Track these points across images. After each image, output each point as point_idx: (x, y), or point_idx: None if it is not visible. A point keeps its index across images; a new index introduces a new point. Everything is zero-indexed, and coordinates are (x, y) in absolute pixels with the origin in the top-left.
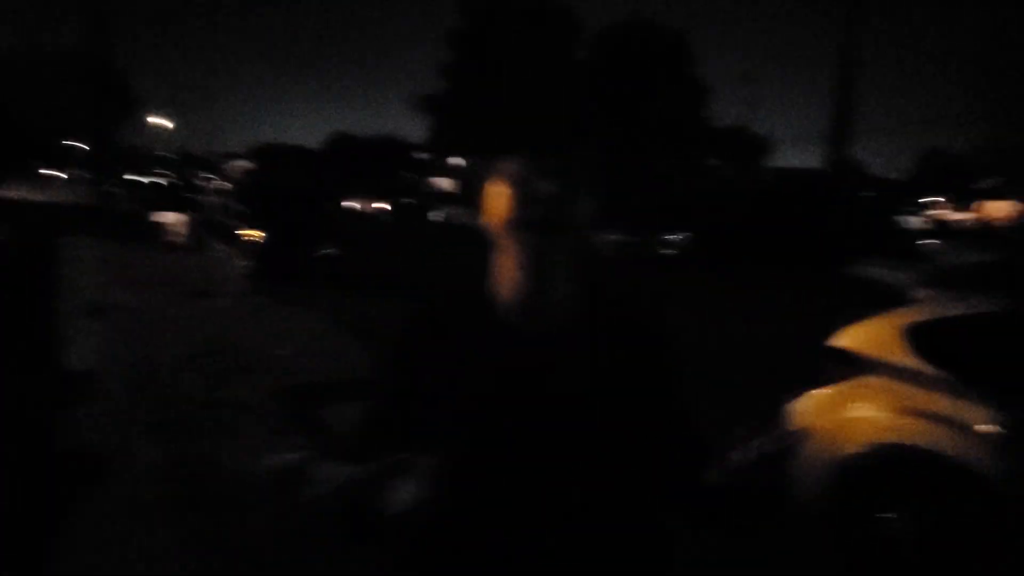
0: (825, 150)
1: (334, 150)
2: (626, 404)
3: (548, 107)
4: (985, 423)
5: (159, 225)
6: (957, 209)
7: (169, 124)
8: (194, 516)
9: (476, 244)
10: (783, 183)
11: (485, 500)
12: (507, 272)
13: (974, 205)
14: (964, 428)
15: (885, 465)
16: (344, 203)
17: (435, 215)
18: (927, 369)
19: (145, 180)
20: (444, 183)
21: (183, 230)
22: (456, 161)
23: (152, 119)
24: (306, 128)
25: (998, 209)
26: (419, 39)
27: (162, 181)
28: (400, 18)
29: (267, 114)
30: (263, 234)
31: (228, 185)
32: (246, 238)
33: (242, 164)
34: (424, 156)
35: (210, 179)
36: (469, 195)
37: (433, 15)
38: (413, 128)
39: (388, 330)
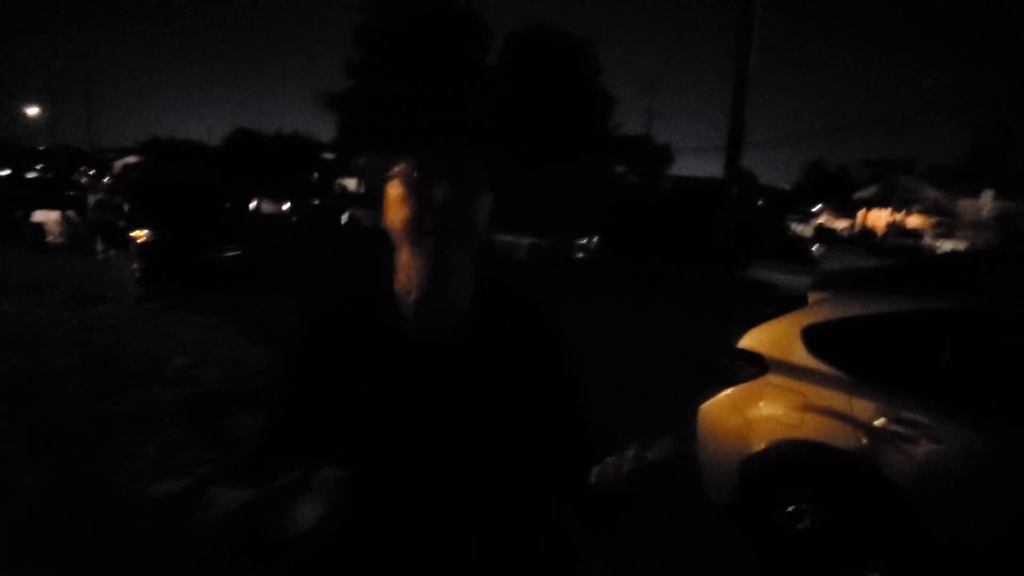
0: (722, 160)
1: (235, 147)
2: (524, 406)
3: (452, 109)
4: (878, 419)
5: (37, 225)
6: (840, 217)
7: (45, 115)
8: (78, 542)
9: (381, 247)
10: (684, 190)
11: (385, 514)
12: (405, 275)
13: (857, 213)
14: (858, 424)
15: (788, 461)
16: (247, 203)
17: (344, 217)
18: (823, 368)
19: (16, 174)
20: (352, 184)
21: (62, 229)
22: (363, 162)
23: (29, 110)
24: (206, 124)
25: (876, 217)
26: (324, 36)
27: (39, 176)
28: (305, 13)
29: (162, 109)
30: (156, 234)
31: (115, 181)
32: (137, 239)
33: (131, 159)
34: (331, 156)
35: (95, 175)
36: (371, 197)
37: (338, 11)
38: (320, 127)
39: (290, 335)
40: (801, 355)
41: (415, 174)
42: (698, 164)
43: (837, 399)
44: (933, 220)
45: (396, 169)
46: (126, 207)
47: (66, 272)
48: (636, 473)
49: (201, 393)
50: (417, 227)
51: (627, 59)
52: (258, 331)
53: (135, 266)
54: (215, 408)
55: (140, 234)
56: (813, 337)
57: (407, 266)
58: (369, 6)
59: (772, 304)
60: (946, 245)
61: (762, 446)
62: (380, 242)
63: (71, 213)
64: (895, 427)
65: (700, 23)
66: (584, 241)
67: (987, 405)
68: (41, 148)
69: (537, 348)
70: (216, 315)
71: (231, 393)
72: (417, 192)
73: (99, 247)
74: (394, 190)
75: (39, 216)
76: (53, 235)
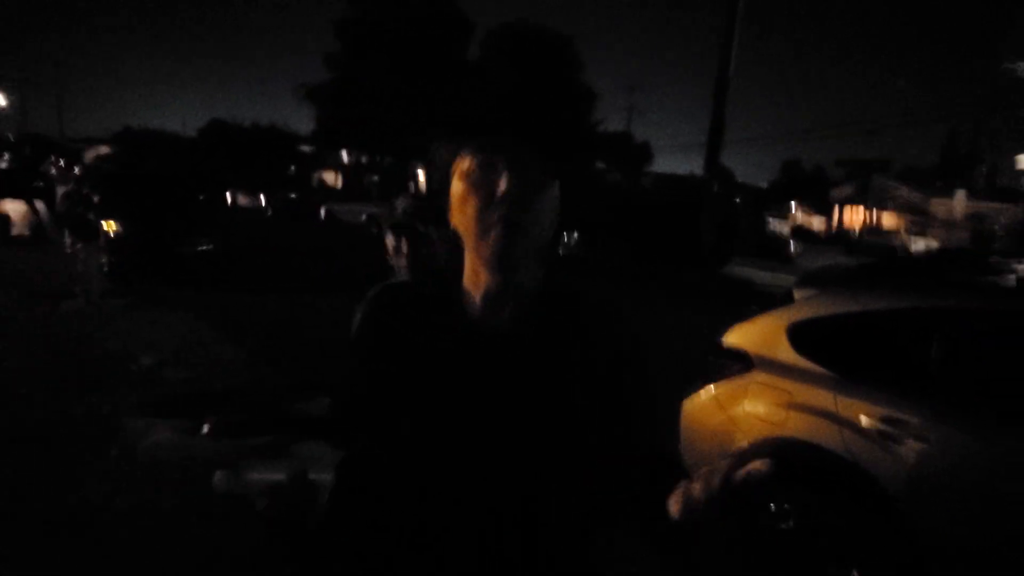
0: (700, 157)
1: (210, 139)
2: (582, 400)
3: (441, 102)
4: (863, 417)
5: (2, 216)
6: (817, 215)
7: (15, 103)
8: (34, 555)
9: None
10: (665, 187)
11: (435, 491)
12: (472, 272)
13: (834, 212)
14: (844, 422)
15: (773, 459)
16: (221, 195)
17: (322, 211)
18: (809, 365)
19: None
20: (330, 177)
21: (29, 221)
22: (345, 155)
23: None
24: (180, 115)
25: (852, 216)
26: (303, 27)
27: (6, 166)
28: (283, 3)
29: (136, 99)
30: (126, 227)
31: (86, 172)
32: (107, 231)
33: (103, 150)
34: (309, 149)
35: (66, 165)
36: (430, 190)
37: (317, 2)
38: (298, 119)
39: (265, 332)
40: (786, 352)
41: (477, 169)
42: (677, 161)
43: (822, 397)
44: (907, 219)
45: (457, 166)
46: (96, 198)
47: (31, 265)
48: (718, 498)
49: (169, 394)
50: (481, 222)
51: (608, 56)
52: (230, 328)
53: (103, 260)
54: (183, 410)
55: (110, 226)
56: (799, 334)
57: (473, 261)
58: None
59: (755, 300)
60: (919, 243)
61: (745, 444)
62: (358, 237)
63: (39, 204)
64: (881, 426)
65: (681, 22)
66: (564, 237)
67: (975, 403)
68: (10, 137)
69: (604, 346)
70: (186, 311)
71: (201, 394)
72: (479, 187)
73: (67, 240)
74: (456, 188)
75: (5, 207)
76: (19, 227)
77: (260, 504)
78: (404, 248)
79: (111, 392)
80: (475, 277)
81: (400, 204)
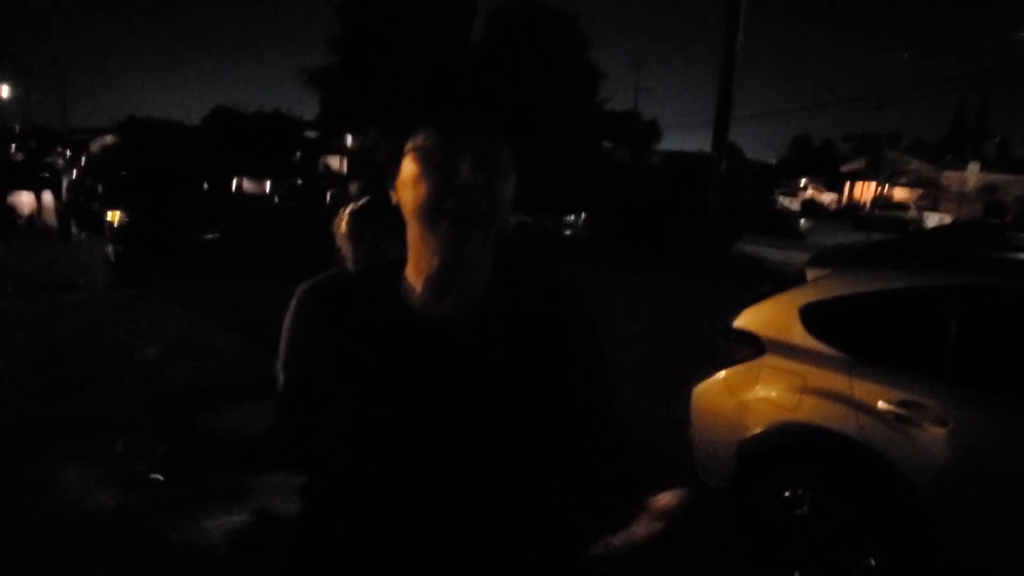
0: (709, 133)
1: (214, 126)
2: (539, 391)
3: (445, 84)
4: (880, 401)
5: (9, 207)
6: (827, 191)
7: (18, 95)
8: (30, 556)
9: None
10: (673, 166)
11: (394, 501)
12: (416, 255)
13: (844, 187)
14: (859, 406)
15: (787, 445)
16: (227, 183)
17: (328, 196)
18: (822, 348)
19: None
20: (335, 162)
21: (34, 212)
22: (350, 140)
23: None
24: (183, 103)
25: (863, 190)
26: (305, 10)
27: (14, 159)
28: None
29: (139, 88)
30: (131, 217)
31: (90, 163)
32: (111, 222)
33: (108, 140)
34: (314, 134)
35: (72, 156)
36: (377, 173)
37: None
38: (302, 104)
39: (271, 321)
40: (799, 335)
41: (438, 149)
42: (685, 139)
43: (837, 380)
44: (918, 192)
45: (414, 143)
46: (100, 189)
47: (36, 257)
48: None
49: (172, 388)
50: (435, 207)
51: (615, 34)
52: (236, 319)
53: (109, 249)
54: (190, 404)
55: (115, 216)
56: (812, 316)
57: (419, 247)
58: None
59: (765, 280)
60: (932, 217)
61: (758, 430)
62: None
63: (46, 196)
64: (898, 409)
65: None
66: (572, 218)
67: (996, 384)
68: (15, 129)
69: (559, 333)
70: (192, 302)
71: (205, 387)
72: (439, 169)
73: (73, 231)
74: (410, 166)
75: (12, 199)
76: (24, 218)
77: (224, 550)
78: (368, 235)
79: (110, 388)
80: (420, 263)
81: (354, 186)
